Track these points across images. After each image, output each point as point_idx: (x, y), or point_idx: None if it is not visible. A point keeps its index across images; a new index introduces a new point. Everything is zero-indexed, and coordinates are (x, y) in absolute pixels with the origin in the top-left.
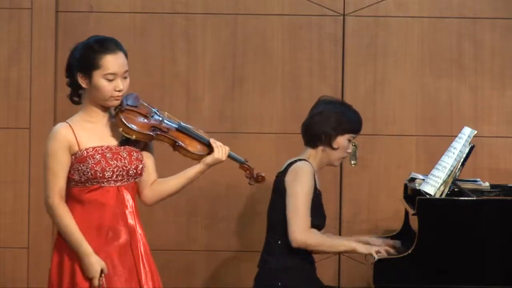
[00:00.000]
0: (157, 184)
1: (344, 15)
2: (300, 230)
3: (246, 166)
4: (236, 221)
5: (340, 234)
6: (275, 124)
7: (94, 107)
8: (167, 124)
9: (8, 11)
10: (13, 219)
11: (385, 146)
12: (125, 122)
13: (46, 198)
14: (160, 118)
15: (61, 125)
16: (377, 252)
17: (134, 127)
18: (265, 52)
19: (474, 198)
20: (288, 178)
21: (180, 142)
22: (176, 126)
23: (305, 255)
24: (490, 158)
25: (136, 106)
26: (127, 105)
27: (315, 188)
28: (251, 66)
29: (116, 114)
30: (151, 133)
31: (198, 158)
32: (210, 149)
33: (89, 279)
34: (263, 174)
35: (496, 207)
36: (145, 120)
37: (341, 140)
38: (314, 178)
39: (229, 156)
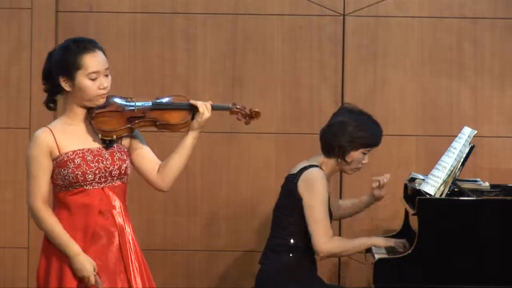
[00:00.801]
0: (163, 167)
1: (344, 15)
2: (325, 241)
3: (235, 109)
4: (236, 221)
5: (340, 234)
6: (275, 124)
7: (77, 109)
8: (140, 108)
9: (8, 11)
10: (13, 219)
11: (385, 146)
12: (100, 128)
13: (29, 203)
14: (132, 106)
15: (41, 130)
16: (398, 244)
17: (110, 128)
18: (265, 52)
19: (474, 198)
20: (303, 186)
21: (160, 121)
22: (150, 106)
23: (307, 254)
24: (490, 158)
25: (104, 106)
26: (96, 109)
27: None
28: (251, 66)
29: (89, 122)
30: (129, 125)
31: (185, 126)
32: (192, 111)
33: (79, 280)
34: (256, 109)
35: (496, 207)
36: (119, 115)
37: (355, 155)
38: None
39: (215, 109)
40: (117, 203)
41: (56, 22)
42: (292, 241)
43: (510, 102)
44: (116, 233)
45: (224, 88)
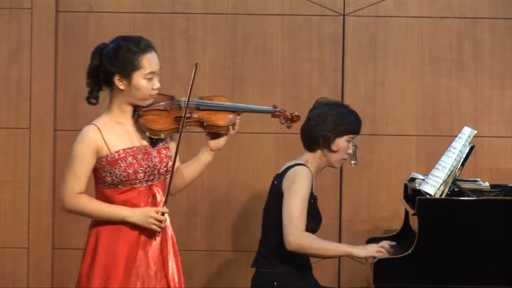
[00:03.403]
0: (179, 173)
1: (344, 15)
2: (294, 233)
3: (278, 112)
4: (236, 221)
5: (340, 234)
6: (275, 124)
7: (126, 107)
8: (188, 108)
9: (8, 11)
10: (13, 219)
11: (385, 146)
12: (149, 126)
13: (64, 199)
14: (179, 105)
15: (89, 128)
16: (378, 251)
17: (158, 127)
18: (265, 52)
19: (474, 198)
20: (286, 183)
21: (207, 121)
22: (196, 106)
23: (300, 256)
24: (490, 158)
25: (151, 105)
26: (143, 107)
27: (311, 193)
28: (251, 66)
29: (136, 120)
30: (177, 125)
31: (232, 128)
32: (238, 114)
33: (122, 279)
34: (297, 113)
35: (496, 207)
36: (166, 114)
37: (340, 142)
38: (312, 183)
39: (257, 111)
40: (163, 200)
41: (56, 22)
42: (280, 243)
43: (510, 102)
44: (162, 233)
45: (224, 88)
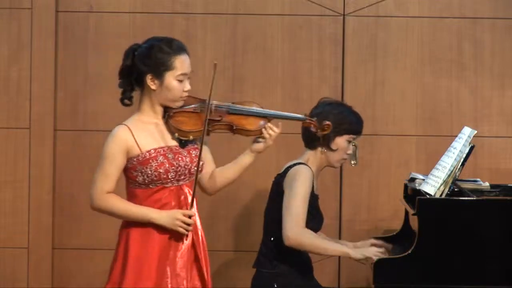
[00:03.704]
0: (214, 176)
1: (344, 15)
2: (293, 229)
3: (308, 121)
4: (236, 221)
5: (340, 234)
6: None
7: (157, 107)
8: (217, 111)
9: (8, 11)
10: (13, 219)
11: (385, 146)
12: (178, 127)
13: (93, 198)
14: (209, 108)
15: (120, 127)
16: (376, 255)
17: (188, 128)
18: (265, 52)
19: (474, 198)
20: (286, 182)
21: (236, 125)
22: (227, 110)
23: (301, 256)
24: (490, 158)
25: (181, 106)
26: (173, 108)
27: (312, 192)
28: (251, 66)
29: (166, 121)
30: (206, 128)
31: (260, 133)
32: (267, 119)
33: (155, 280)
34: (328, 122)
35: (496, 207)
36: (196, 116)
37: (340, 141)
38: (313, 182)
39: (288, 118)
40: (194, 199)
41: (56, 22)
42: (281, 243)
43: (510, 102)
44: (193, 234)
45: (224, 88)
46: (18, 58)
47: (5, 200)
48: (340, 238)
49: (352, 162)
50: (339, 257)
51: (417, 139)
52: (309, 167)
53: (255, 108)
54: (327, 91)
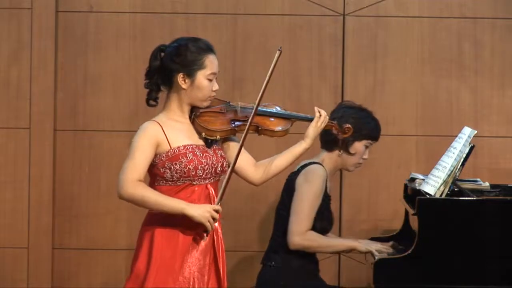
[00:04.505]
0: (263, 165)
1: (344, 15)
2: (298, 233)
3: (330, 123)
4: (236, 221)
5: (340, 234)
6: None
7: (185, 107)
8: (243, 112)
9: (8, 11)
10: (13, 219)
11: (385, 146)
12: (205, 126)
13: (122, 186)
14: (235, 109)
15: (149, 123)
16: (378, 250)
17: (215, 128)
18: (265, 52)
19: (474, 198)
20: (300, 180)
21: (262, 126)
22: (252, 110)
23: (309, 255)
24: (490, 158)
25: (208, 106)
26: (200, 108)
27: (325, 193)
28: (251, 66)
29: (193, 120)
30: (233, 127)
31: (285, 134)
32: (292, 121)
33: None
34: (348, 125)
35: (496, 207)
36: (222, 117)
37: (358, 146)
38: (326, 182)
39: (305, 120)
40: (215, 199)
41: (56, 22)
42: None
43: (510, 102)
44: (212, 232)
45: (224, 88)
46: (18, 58)
47: (5, 200)
48: (340, 237)
49: None
50: (339, 257)
51: (417, 139)
52: (324, 167)
53: (281, 110)
54: (327, 91)
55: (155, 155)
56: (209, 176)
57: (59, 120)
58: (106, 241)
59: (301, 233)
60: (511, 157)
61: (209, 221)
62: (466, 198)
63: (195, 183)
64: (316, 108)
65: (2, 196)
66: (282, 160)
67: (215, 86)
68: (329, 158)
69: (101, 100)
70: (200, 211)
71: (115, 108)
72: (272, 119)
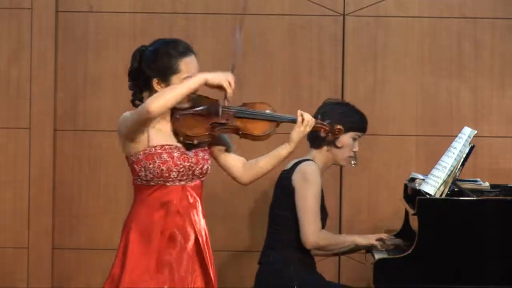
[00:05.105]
0: (250, 165)
1: (344, 15)
2: (312, 232)
3: (318, 125)
4: (235, 221)
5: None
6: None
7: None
8: (224, 114)
9: (8, 11)
10: (13, 219)
11: (385, 146)
12: (183, 131)
13: (147, 104)
14: (216, 111)
15: None
16: (379, 239)
17: (192, 133)
18: (266, 52)
19: (474, 198)
20: (296, 178)
21: (242, 130)
22: (234, 113)
23: (306, 249)
24: (490, 158)
25: (190, 107)
26: (181, 110)
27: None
28: (251, 66)
29: (172, 124)
30: (211, 132)
31: (267, 138)
32: (276, 123)
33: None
34: (339, 126)
35: (496, 207)
36: (202, 120)
37: (345, 139)
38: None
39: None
40: (196, 202)
41: (56, 22)
42: (288, 236)
43: (510, 102)
44: (192, 233)
45: None
46: (18, 58)
47: (5, 200)
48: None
49: (352, 162)
50: (339, 257)
51: (417, 139)
52: (316, 163)
53: (265, 112)
54: (327, 91)
55: (134, 153)
56: (185, 178)
57: (59, 120)
58: (106, 241)
59: (316, 232)
60: (511, 157)
61: (228, 82)
62: (466, 198)
63: (169, 184)
64: (299, 112)
65: (2, 196)
66: (267, 163)
67: None
68: (320, 155)
69: (101, 100)
70: (221, 75)
71: (115, 108)
72: (254, 122)
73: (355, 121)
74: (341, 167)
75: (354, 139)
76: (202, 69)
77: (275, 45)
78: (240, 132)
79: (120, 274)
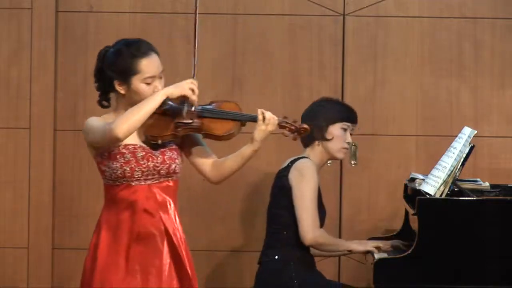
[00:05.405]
0: (217, 165)
1: (344, 15)
2: (311, 229)
3: (284, 124)
4: (236, 221)
5: (340, 234)
6: None
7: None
8: (189, 113)
9: (8, 11)
10: (13, 219)
11: (385, 146)
12: (147, 132)
13: (112, 129)
14: (181, 111)
15: (97, 117)
16: (377, 247)
17: (156, 133)
18: (265, 52)
19: (474, 198)
20: (293, 176)
21: (205, 130)
22: (199, 113)
23: (306, 247)
24: (490, 158)
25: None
26: None
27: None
28: (251, 66)
29: None
30: (175, 132)
31: (230, 138)
32: (240, 122)
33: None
34: (305, 126)
35: (496, 207)
36: (167, 120)
37: (334, 130)
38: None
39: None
40: (166, 201)
41: (56, 22)
42: (287, 234)
43: (510, 102)
44: (163, 232)
45: (224, 88)
46: (18, 58)
47: (5, 200)
48: (340, 238)
49: (352, 162)
50: (339, 257)
51: (417, 139)
52: (312, 160)
53: (228, 111)
54: (327, 91)
55: (99, 154)
56: (150, 177)
57: (59, 120)
58: None
59: (315, 228)
60: (511, 157)
61: (190, 89)
62: (466, 198)
63: (133, 183)
64: (259, 110)
65: (2, 196)
66: (233, 162)
67: (157, 87)
68: (313, 152)
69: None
70: (180, 84)
71: None
72: (218, 121)
73: (340, 111)
74: (341, 168)
75: (344, 130)
76: (202, 69)
77: (275, 45)
78: (203, 132)
79: (91, 271)
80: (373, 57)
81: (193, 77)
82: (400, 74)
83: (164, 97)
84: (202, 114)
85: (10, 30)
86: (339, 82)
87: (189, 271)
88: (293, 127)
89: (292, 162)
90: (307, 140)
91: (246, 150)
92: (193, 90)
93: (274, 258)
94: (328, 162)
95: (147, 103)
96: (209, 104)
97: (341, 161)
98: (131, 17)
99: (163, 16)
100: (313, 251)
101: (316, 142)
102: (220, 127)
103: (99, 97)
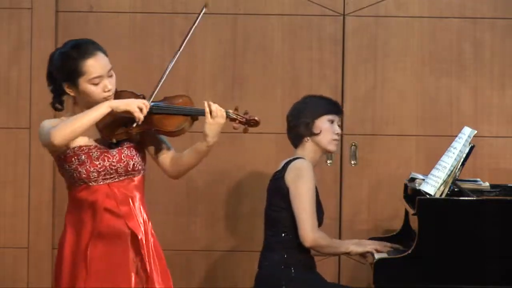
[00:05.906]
0: (176, 161)
1: (344, 15)
2: (311, 230)
3: (233, 116)
4: (236, 221)
5: (340, 234)
6: (275, 124)
7: (85, 110)
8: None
9: (8, 11)
10: (13, 219)
11: (385, 146)
12: (102, 130)
13: (51, 136)
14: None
15: (54, 119)
16: (376, 250)
17: (110, 131)
18: (265, 52)
19: (474, 198)
20: (290, 177)
21: (155, 126)
22: (150, 109)
23: (305, 249)
24: (490, 158)
25: None
26: None
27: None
28: (251, 66)
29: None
30: (128, 130)
31: (181, 133)
32: (192, 117)
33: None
34: (256, 118)
35: (496, 207)
36: (119, 119)
37: (320, 123)
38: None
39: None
40: (128, 198)
41: (56, 22)
42: (286, 236)
43: (510, 102)
44: (126, 231)
45: (224, 88)
46: (18, 58)
47: (5, 200)
48: (340, 238)
49: (352, 162)
50: (339, 257)
51: (417, 139)
52: (307, 160)
53: (178, 106)
54: (327, 91)
55: (57, 156)
56: (108, 177)
57: None
58: None
59: (314, 230)
60: (511, 157)
61: (138, 107)
62: (466, 198)
63: (91, 184)
64: (205, 103)
65: (2, 196)
66: (189, 158)
67: (106, 87)
68: (305, 150)
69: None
70: (125, 100)
71: None
72: (169, 117)
73: (322, 104)
74: (341, 168)
75: (331, 122)
76: (202, 68)
77: (275, 45)
78: (154, 129)
79: (60, 271)
80: (373, 57)
81: (150, 98)
82: (400, 74)
83: (109, 110)
84: (152, 111)
85: (10, 30)
86: (339, 82)
87: (148, 268)
88: (243, 120)
89: (287, 163)
90: (295, 139)
91: (199, 145)
92: (141, 110)
93: (274, 260)
94: (328, 162)
95: (90, 113)
96: (161, 101)
97: (341, 161)
98: (131, 17)
99: (163, 16)
100: (313, 251)
101: (305, 139)
102: (170, 123)
103: (52, 100)
